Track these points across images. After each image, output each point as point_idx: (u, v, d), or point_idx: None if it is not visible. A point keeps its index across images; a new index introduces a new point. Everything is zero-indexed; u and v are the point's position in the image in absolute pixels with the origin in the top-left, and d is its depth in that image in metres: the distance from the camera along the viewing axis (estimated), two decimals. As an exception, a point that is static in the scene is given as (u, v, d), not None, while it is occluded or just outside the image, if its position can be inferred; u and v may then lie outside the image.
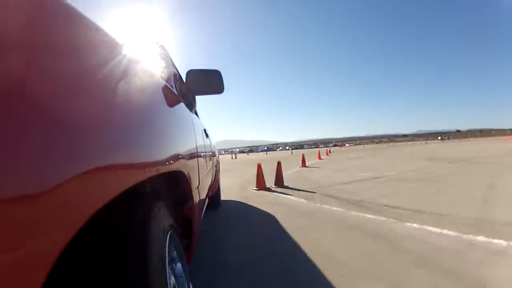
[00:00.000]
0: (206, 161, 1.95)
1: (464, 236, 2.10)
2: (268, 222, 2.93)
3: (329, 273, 1.64)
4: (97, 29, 0.53)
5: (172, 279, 0.76)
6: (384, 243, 2.08)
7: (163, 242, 0.69)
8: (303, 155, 11.83)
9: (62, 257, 0.34)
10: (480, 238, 2.04)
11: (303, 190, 4.65)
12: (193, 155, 1.36)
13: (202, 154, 1.73)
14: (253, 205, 3.82)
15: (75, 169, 0.37)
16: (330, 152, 25.37)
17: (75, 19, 0.46)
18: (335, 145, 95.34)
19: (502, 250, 1.81)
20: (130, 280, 0.53)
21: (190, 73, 1.59)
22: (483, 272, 1.54)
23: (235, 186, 5.77)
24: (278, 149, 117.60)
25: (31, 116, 0.30)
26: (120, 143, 0.52)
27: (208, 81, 1.61)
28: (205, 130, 2.35)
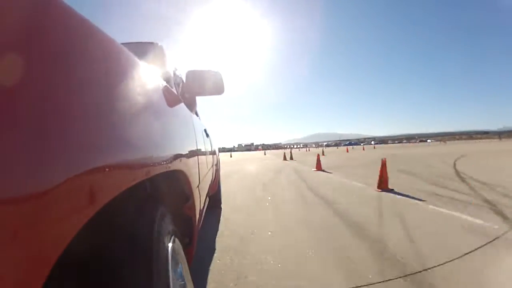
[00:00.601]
0: (206, 160, 1.92)
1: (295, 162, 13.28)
2: (276, 162, 14.36)
3: (256, 166, 13.12)
4: (96, 30, 0.52)
5: (172, 281, 0.70)
6: (274, 166, 13.23)
7: (165, 242, 0.68)
8: (321, 151, 22.97)
9: (62, 257, 0.34)
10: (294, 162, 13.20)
11: (295, 160, 15.77)
12: (194, 155, 1.31)
13: (202, 153, 1.69)
14: (279, 160, 15.48)
15: (75, 169, 0.36)
16: (367, 149, 33.42)
17: (74, 20, 0.45)
18: (421, 141, 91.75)
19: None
20: (131, 282, 0.52)
21: (189, 73, 1.58)
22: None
23: (281, 160, 17.43)
24: (361, 144, 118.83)
25: (31, 116, 0.30)
26: (119, 143, 0.51)
27: (208, 82, 1.60)
28: (205, 130, 2.32)
